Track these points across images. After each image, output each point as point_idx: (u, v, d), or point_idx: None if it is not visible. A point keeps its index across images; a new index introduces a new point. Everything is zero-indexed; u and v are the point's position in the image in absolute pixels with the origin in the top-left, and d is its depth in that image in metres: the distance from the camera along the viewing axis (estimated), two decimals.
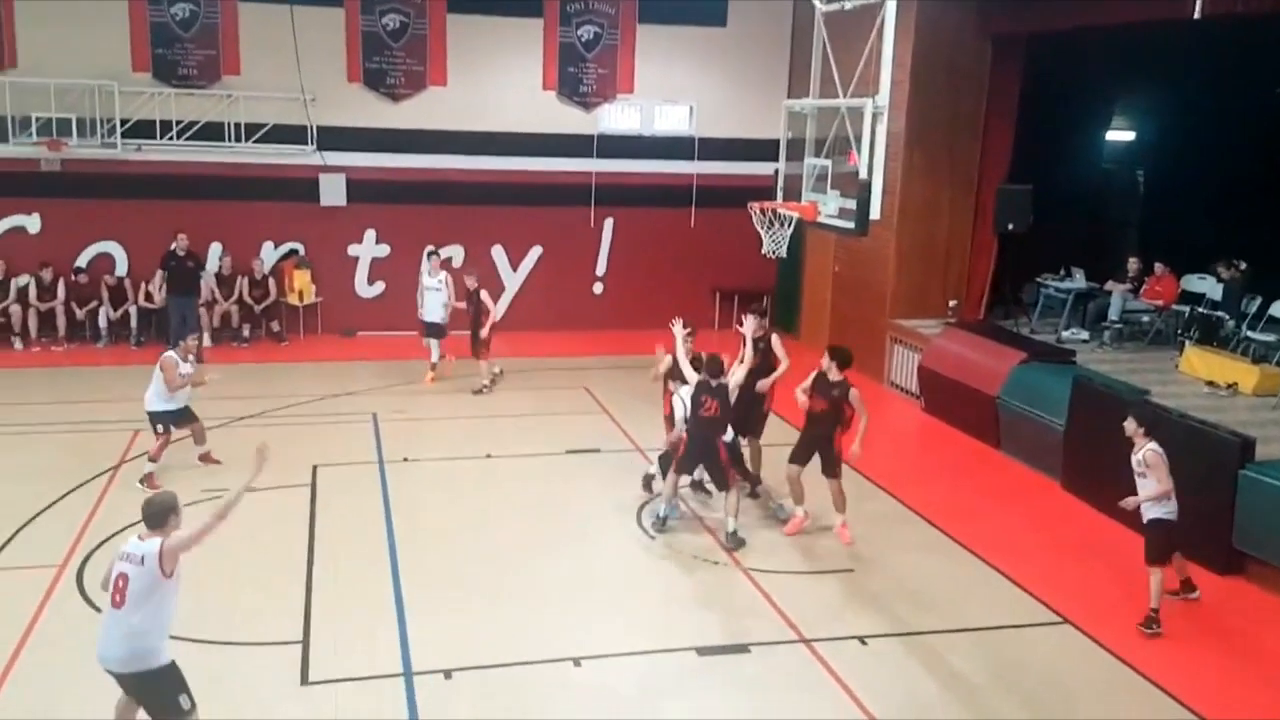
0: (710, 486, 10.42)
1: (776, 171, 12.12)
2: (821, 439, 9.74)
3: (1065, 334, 14.26)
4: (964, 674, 7.65)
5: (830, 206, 10.78)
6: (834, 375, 9.63)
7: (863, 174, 10.07)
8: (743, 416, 10.19)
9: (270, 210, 16.87)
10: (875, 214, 10.25)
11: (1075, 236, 15.91)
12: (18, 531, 9.37)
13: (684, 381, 9.87)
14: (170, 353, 10.73)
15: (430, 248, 15.25)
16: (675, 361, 10.07)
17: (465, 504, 10.48)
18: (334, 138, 16.83)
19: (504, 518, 10.15)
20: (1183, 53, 13.85)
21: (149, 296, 16.33)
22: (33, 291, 16.00)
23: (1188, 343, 12.84)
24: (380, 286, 17.54)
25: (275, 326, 16.93)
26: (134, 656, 5.71)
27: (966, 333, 14.01)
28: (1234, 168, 14.60)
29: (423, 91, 17.20)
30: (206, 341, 16.02)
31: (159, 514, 5.83)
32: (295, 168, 16.76)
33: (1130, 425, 8.38)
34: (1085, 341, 13.97)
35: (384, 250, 17.49)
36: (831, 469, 9.75)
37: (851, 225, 10.34)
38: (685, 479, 10.41)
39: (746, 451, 10.76)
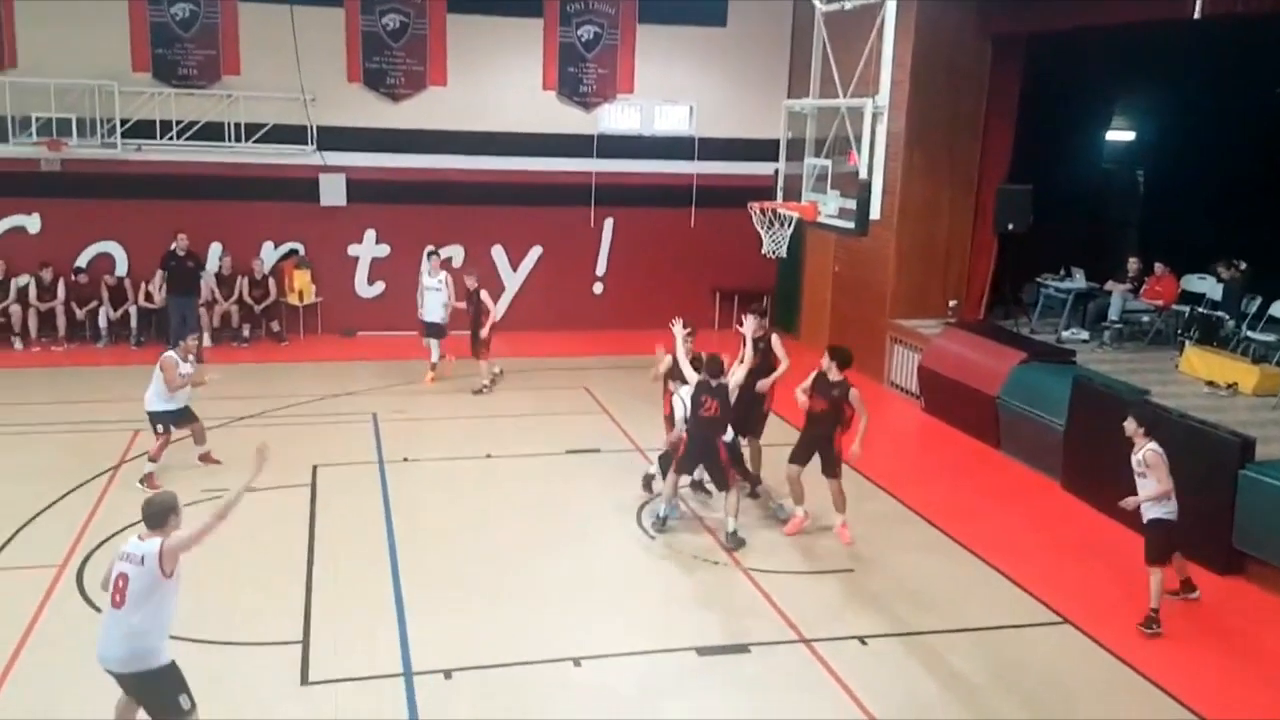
0: (710, 486, 10.42)
1: (776, 171, 12.12)
2: (821, 439, 9.74)
3: (1065, 334, 14.27)
4: (964, 674, 7.66)
5: (830, 206, 10.79)
6: (834, 375, 9.63)
7: (863, 174, 10.07)
8: (742, 416, 10.19)
9: (270, 210, 16.87)
10: (875, 214, 10.25)
11: (1075, 236, 15.91)
12: (18, 531, 9.37)
13: (684, 381, 9.88)
14: (170, 353, 10.73)
15: (430, 248, 15.25)
16: (675, 362, 10.07)
17: (465, 504, 10.48)
18: (334, 138, 16.84)
19: (504, 518, 10.15)
20: (1183, 53, 13.85)
21: (149, 296, 16.33)
22: (33, 291, 16.00)
23: (1188, 343, 12.84)
24: (380, 286, 17.55)
25: (275, 326, 16.94)
26: (134, 656, 5.71)
27: (966, 333, 14.02)
28: (1234, 168, 14.60)
29: (423, 91, 17.21)
30: (207, 341, 16.02)
31: (159, 514, 5.83)
32: (295, 168, 16.76)
33: (1130, 425, 8.38)
34: (1085, 341, 13.97)
35: (384, 250, 17.49)
36: (831, 469, 9.75)
37: (851, 225, 10.35)
38: (685, 479, 10.42)
39: (746, 452, 10.77)
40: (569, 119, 17.79)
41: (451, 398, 14.11)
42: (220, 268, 16.68)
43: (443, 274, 14.67)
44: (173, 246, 15.61)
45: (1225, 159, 14.78)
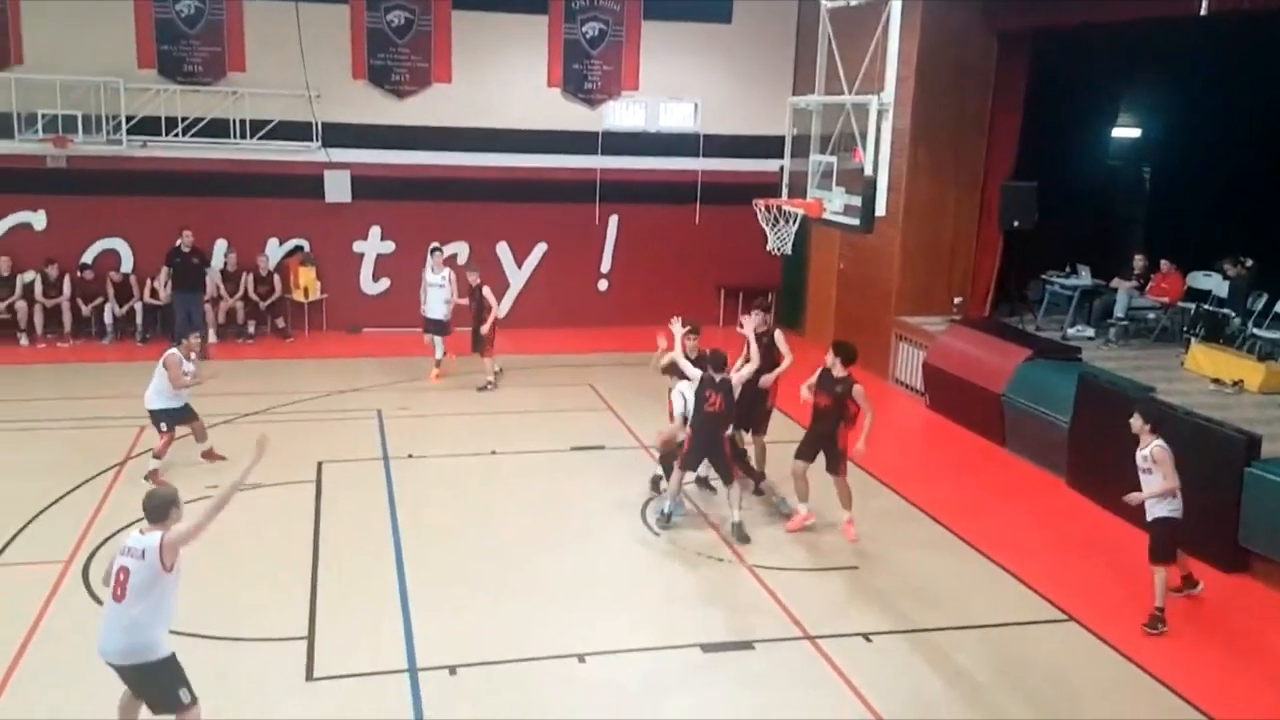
0: (715, 483, 10.42)
1: (781, 168, 12.11)
2: (825, 436, 9.73)
3: (1070, 331, 14.24)
4: (969, 671, 7.65)
5: (835, 203, 10.76)
6: (838, 371, 9.63)
7: (868, 171, 10.05)
8: (745, 412, 10.19)
9: (275, 207, 16.89)
10: (881, 211, 10.24)
11: (1081, 233, 15.86)
12: (24, 527, 9.39)
13: (683, 377, 9.87)
14: (174, 350, 10.74)
15: (435, 244, 15.27)
16: (675, 359, 10.06)
17: (470, 500, 10.49)
18: (339, 134, 16.85)
19: (509, 514, 10.16)
20: (1189, 49, 13.81)
21: (154, 293, 16.36)
22: (38, 288, 16.02)
23: (1193, 340, 12.81)
24: (385, 283, 17.56)
25: (280, 323, 16.96)
26: (133, 650, 5.74)
27: (972, 330, 14.00)
28: (1241, 164, 14.55)
29: (427, 88, 17.21)
30: (212, 338, 16.08)
31: (160, 508, 5.86)
32: (300, 164, 16.77)
33: (1136, 422, 8.36)
34: (1091, 339, 13.94)
35: (389, 247, 17.50)
36: (835, 466, 9.74)
37: (856, 222, 10.33)
38: (690, 475, 10.40)
39: (751, 448, 10.77)
40: (574, 116, 17.79)
41: (456, 394, 14.12)
42: (225, 264, 16.71)
43: (446, 270, 14.68)
44: (178, 243, 15.63)
45: (1232, 156, 14.73)
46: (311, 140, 16.74)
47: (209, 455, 11.02)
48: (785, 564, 9.25)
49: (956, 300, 15.20)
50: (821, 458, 9.77)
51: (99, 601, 7.77)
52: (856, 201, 10.28)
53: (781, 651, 7.79)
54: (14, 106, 15.39)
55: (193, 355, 10.86)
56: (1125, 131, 18.17)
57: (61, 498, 10.05)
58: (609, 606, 8.42)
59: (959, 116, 14.88)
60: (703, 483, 10.76)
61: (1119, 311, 14.04)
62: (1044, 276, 15.30)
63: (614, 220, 18.36)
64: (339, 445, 11.83)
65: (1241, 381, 11.58)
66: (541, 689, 7.19)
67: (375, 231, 17.46)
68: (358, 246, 17.48)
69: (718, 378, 9.59)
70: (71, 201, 16.17)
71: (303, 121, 16.64)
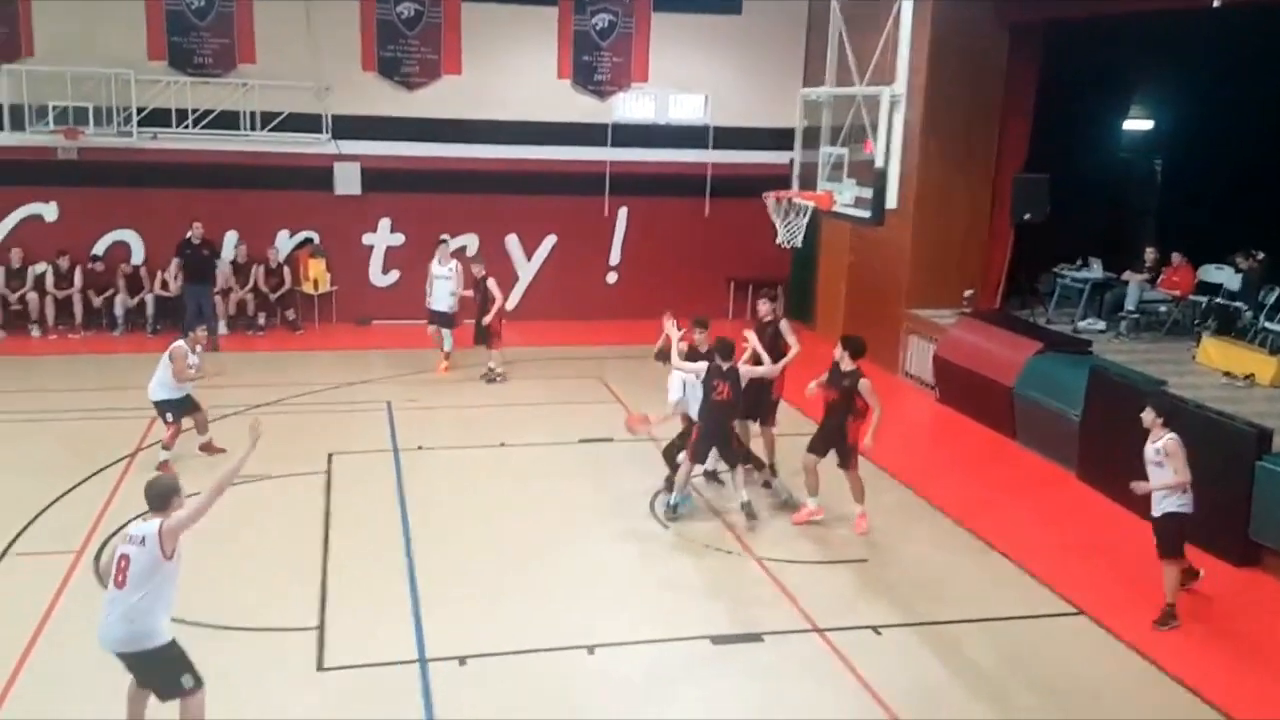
0: (724, 476, 10.41)
1: (792, 161, 12.08)
2: (835, 430, 9.71)
3: (1081, 324, 14.20)
4: (978, 664, 7.64)
5: (846, 196, 10.74)
6: (846, 365, 9.59)
7: (879, 163, 10.02)
8: (752, 403, 10.17)
9: (285, 199, 16.91)
10: (891, 203, 10.19)
11: (1092, 226, 15.82)
12: (35, 518, 9.43)
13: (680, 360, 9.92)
14: (180, 342, 10.76)
15: (443, 237, 15.28)
16: (675, 351, 10.07)
17: (479, 492, 10.51)
18: (349, 126, 16.86)
19: (517, 506, 10.17)
20: (1202, 41, 13.74)
21: (165, 285, 16.41)
22: (50, 279, 16.08)
23: (1205, 333, 12.76)
24: (395, 275, 17.57)
25: (290, 315, 16.99)
26: (132, 637, 5.78)
27: (982, 323, 13.97)
28: (1253, 157, 14.48)
29: (437, 80, 17.21)
30: (222, 329, 16.12)
31: (161, 496, 5.91)
32: (310, 156, 16.79)
33: (1148, 415, 8.31)
34: (1102, 332, 13.91)
35: (399, 239, 17.52)
36: (846, 461, 9.71)
37: (867, 214, 10.30)
38: (698, 468, 10.38)
39: (760, 440, 10.75)
40: (583, 108, 17.77)
41: (465, 387, 14.14)
42: (236, 256, 16.74)
43: (453, 263, 14.69)
44: (188, 235, 15.67)
45: (1244, 148, 14.67)
46: (321, 132, 16.76)
47: (207, 448, 11.01)
48: (794, 556, 9.25)
49: (967, 293, 15.15)
50: (834, 454, 9.75)
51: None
52: (867, 194, 10.25)
53: (790, 644, 7.79)
54: (25, 98, 15.46)
55: (198, 348, 10.88)
56: (1137, 124, 18.11)
57: (72, 488, 10.08)
58: (617, 598, 8.43)
59: (970, 108, 14.83)
60: (711, 476, 10.75)
61: (1130, 304, 13.99)
62: (1055, 269, 15.27)
63: (623, 213, 18.34)
64: (349, 437, 11.86)
65: (1253, 375, 11.54)
66: (550, 680, 7.20)
67: (385, 224, 17.48)
68: (367, 239, 17.50)
69: (724, 366, 9.58)
70: (82, 193, 16.22)
71: (313, 114, 16.66)
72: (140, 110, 15.99)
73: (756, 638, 7.83)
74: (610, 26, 17.65)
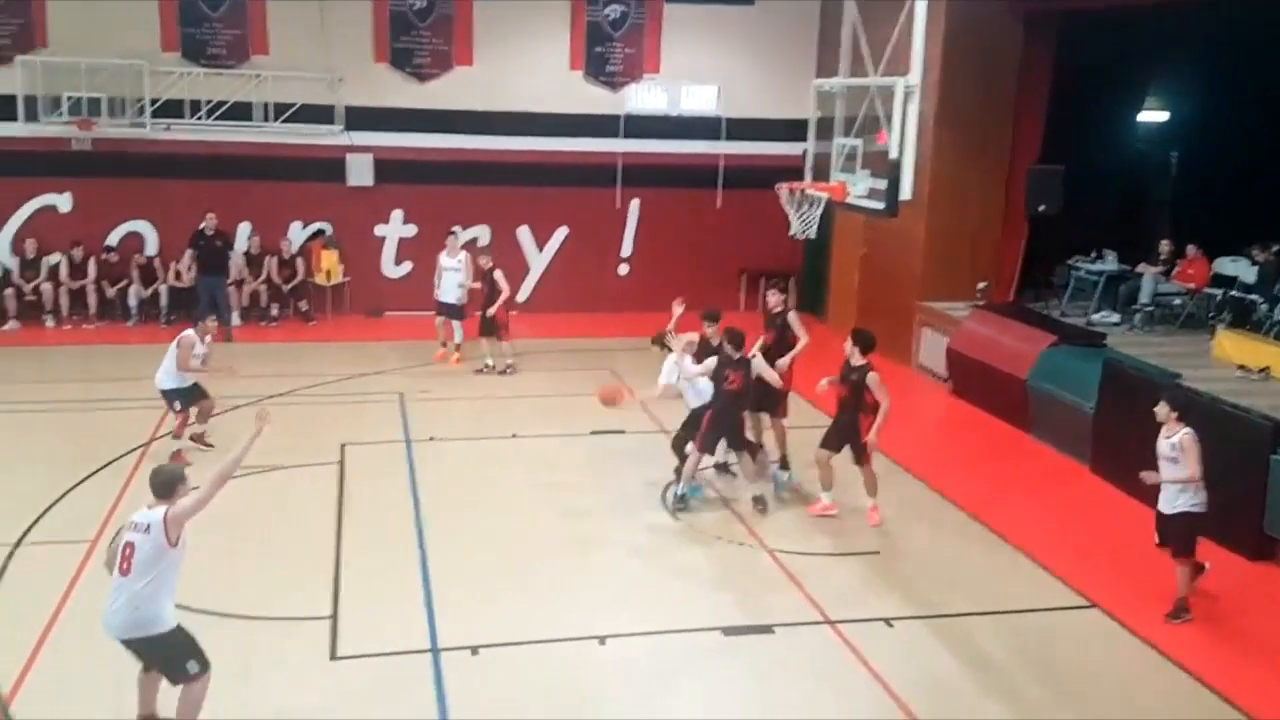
0: (735, 469, 10.40)
1: (805, 152, 12.04)
2: (848, 425, 9.68)
3: (1096, 317, 14.12)
4: (991, 657, 7.62)
5: (860, 187, 10.71)
6: (856, 359, 9.55)
7: (893, 154, 9.99)
8: (761, 394, 10.15)
9: (298, 190, 16.93)
10: (905, 194, 10.16)
11: (1107, 218, 15.75)
12: (50, 507, 9.48)
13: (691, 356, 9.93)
14: (189, 332, 10.79)
15: (454, 228, 15.29)
16: (675, 347, 10.09)
17: (491, 483, 10.52)
18: (361, 118, 16.87)
19: (529, 497, 10.19)
20: (1218, 31, 13.65)
21: (178, 276, 16.46)
22: (64, 270, 16.15)
23: (1220, 326, 12.69)
24: (407, 266, 17.58)
25: (303, 306, 17.03)
26: (137, 623, 5.83)
27: (996, 315, 13.91)
28: (1269, 149, 14.37)
29: (449, 71, 17.20)
30: (236, 321, 16.17)
31: (166, 484, 5.95)
32: (323, 148, 16.81)
33: (1163, 409, 8.26)
34: (1116, 324, 13.83)
35: (411, 230, 17.53)
36: (858, 457, 9.69)
37: (881, 206, 10.27)
38: (707, 459, 10.37)
39: (771, 432, 10.74)
40: (595, 99, 17.73)
41: (476, 378, 14.16)
42: (249, 247, 16.79)
43: (462, 254, 14.70)
44: (202, 226, 15.70)
45: (1260, 140, 14.56)
46: (334, 123, 16.78)
47: (198, 438, 10.94)
48: (805, 548, 9.24)
49: (981, 285, 15.06)
50: (849, 450, 9.72)
51: None
52: (881, 185, 10.22)
53: (802, 635, 7.79)
54: (39, 89, 15.51)
55: (207, 339, 10.90)
56: (1153, 115, 17.99)
57: (86, 479, 10.13)
58: (629, 589, 8.43)
59: (985, 99, 14.75)
60: (722, 468, 10.74)
61: (1144, 297, 13.92)
62: (1069, 262, 15.18)
63: (635, 204, 18.31)
64: (362, 428, 11.89)
65: (1268, 368, 11.45)
66: (561, 670, 7.22)
67: (397, 215, 17.49)
68: (380, 230, 17.52)
69: (735, 356, 9.56)
70: (96, 184, 16.27)
71: (325, 105, 16.68)
72: (154, 101, 16.03)
73: (767, 629, 7.83)
74: (622, 17, 17.60)
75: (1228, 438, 9.13)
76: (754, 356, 9.89)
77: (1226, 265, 14.00)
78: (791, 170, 12.97)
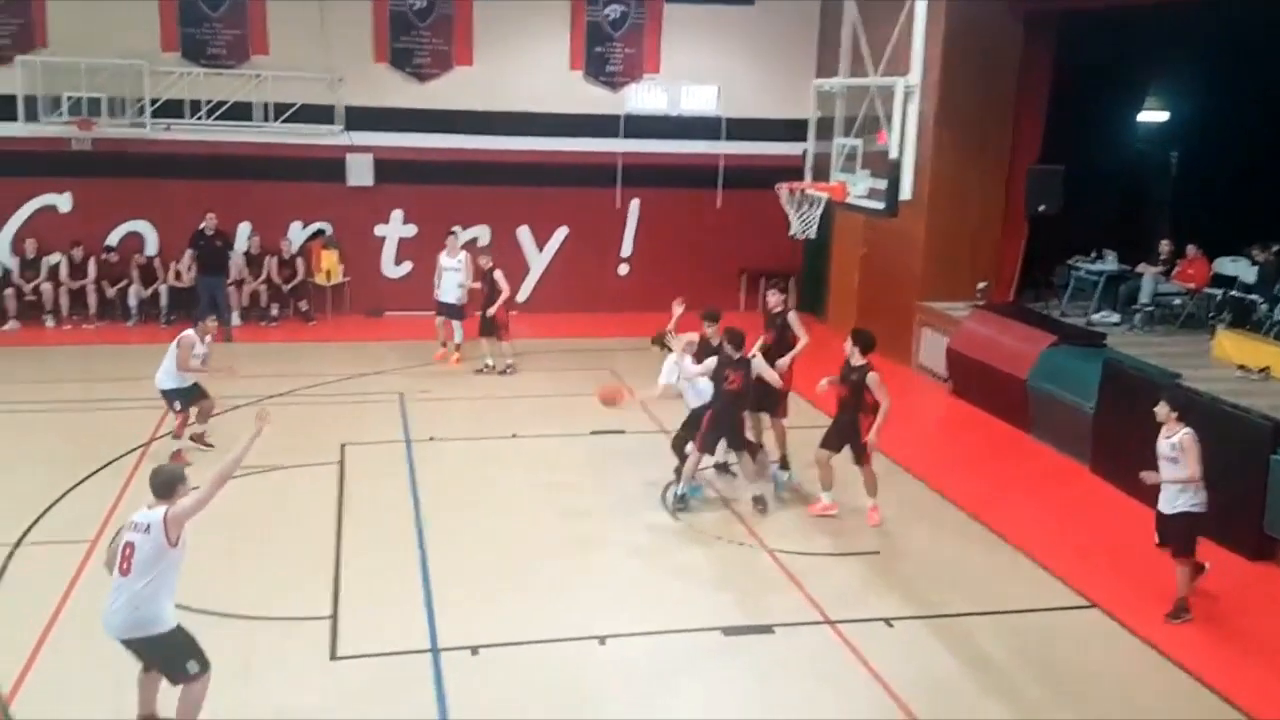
0: (735, 469, 10.40)
1: (805, 152, 12.04)
2: (848, 425, 9.68)
3: (1096, 317, 14.12)
4: (991, 657, 7.62)
5: (860, 187, 10.70)
6: (855, 359, 9.55)
7: (893, 154, 9.99)
8: (761, 394, 10.15)
9: (298, 190, 16.94)
10: (905, 194, 10.16)
11: (1107, 218, 15.74)
12: (51, 506, 9.48)
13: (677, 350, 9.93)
14: (189, 332, 10.79)
15: (454, 228, 15.28)
16: (675, 347, 10.09)
17: (490, 483, 10.52)
18: (361, 118, 16.87)
19: (529, 497, 10.18)
20: (1218, 31, 13.64)
21: (178, 276, 16.46)
22: (64, 270, 16.14)
23: (1220, 326, 12.69)
24: (407, 266, 17.58)
25: (303, 306, 17.03)
26: (137, 623, 5.83)
27: (996, 315, 13.91)
28: (1269, 149, 14.37)
29: (449, 71, 17.20)
30: (236, 321, 16.17)
31: (165, 484, 5.96)
32: (323, 148, 16.81)
33: (1163, 410, 8.26)
34: (1116, 324, 13.83)
35: (411, 230, 17.52)
36: (858, 457, 9.69)
37: (881, 206, 10.27)
38: (707, 459, 10.36)
39: (771, 432, 10.74)
40: (595, 99, 17.73)
41: (476, 378, 14.16)
42: (249, 247, 16.78)
43: (462, 254, 14.70)
44: (202, 226, 15.70)
45: (1260, 140, 14.56)
46: (334, 123, 16.78)
47: (198, 438, 10.95)
48: (806, 548, 9.24)
49: (981, 285, 15.06)
50: (849, 450, 9.72)
51: None
52: (881, 185, 10.22)
53: (802, 635, 7.79)
54: (39, 89, 15.51)
55: (207, 339, 10.90)
56: (1153, 115, 17.99)
57: (87, 478, 10.13)
58: (629, 589, 8.43)
59: (985, 99, 14.75)
60: (722, 468, 10.74)
61: (1144, 297, 13.92)
62: (1069, 262, 15.17)
63: (635, 204, 18.31)
64: (362, 428, 11.89)
65: (1268, 368, 11.45)
66: (562, 670, 7.22)
67: (397, 215, 17.49)
68: (379, 230, 17.52)
69: (736, 356, 9.56)
70: (96, 184, 16.27)
71: (325, 105, 16.68)
72: (154, 101, 16.02)
73: (767, 629, 7.83)
74: (622, 17, 17.60)
75: (1228, 438, 9.13)
76: (754, 356, 9.89)
77: (1226, 265, 14.00)
78: (791, 170, 12.97)
